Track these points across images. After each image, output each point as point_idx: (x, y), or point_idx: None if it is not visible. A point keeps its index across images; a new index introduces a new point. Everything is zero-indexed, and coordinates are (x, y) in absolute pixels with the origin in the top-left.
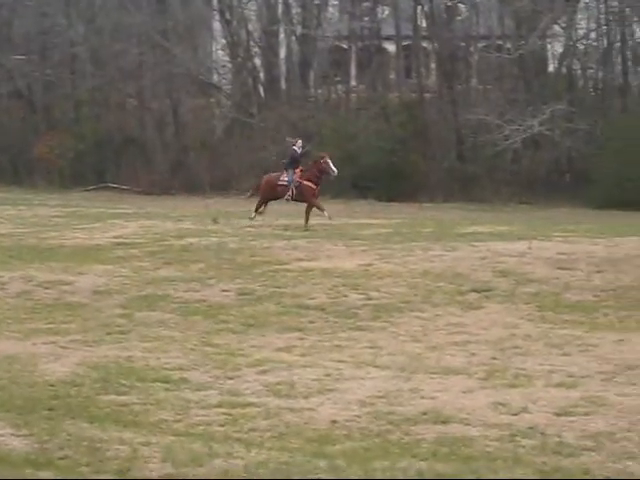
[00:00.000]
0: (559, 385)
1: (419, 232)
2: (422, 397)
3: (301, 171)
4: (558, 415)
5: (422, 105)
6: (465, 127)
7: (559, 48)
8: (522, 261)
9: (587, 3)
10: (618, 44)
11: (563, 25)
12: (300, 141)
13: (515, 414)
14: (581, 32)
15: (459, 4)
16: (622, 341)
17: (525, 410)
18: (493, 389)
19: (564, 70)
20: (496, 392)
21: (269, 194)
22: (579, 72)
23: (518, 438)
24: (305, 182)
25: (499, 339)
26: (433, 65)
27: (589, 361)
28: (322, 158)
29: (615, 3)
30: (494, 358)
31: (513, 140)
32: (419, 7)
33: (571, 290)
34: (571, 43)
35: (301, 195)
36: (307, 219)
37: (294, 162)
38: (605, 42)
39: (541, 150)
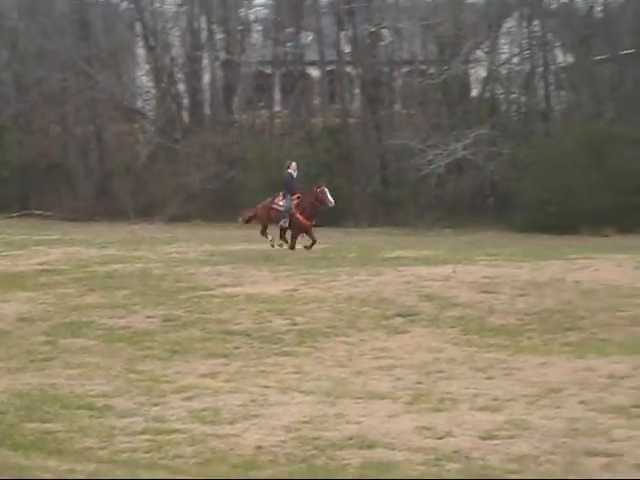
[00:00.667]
0: (484, 409)
1: (344, 257)
2: (347, 422)
3: (298, 198)
4: (483, 439)
5: (346, 130)
6: (389, 152)
7: (482, 73)
8: (447, 285)
9: (509, 28)
10: (540, 69)
11: (486, 50)
12: (294, 164)
13: (440, 438)
14: (504, 57)
15: (382, 29)
16: (546, 364)
17: (450, 434)
18: (418, 413)
19: (487, 95)
20: (421, 416)
21: (265, 219)
22: (502, 97)
23: (443, 462)
24: (298, 215)
25: (424, 363)
26: (357, 90)
27: (513, 384)
28: (319, 187)
29: (537, 28)
30: (419, 382)
31: (437, 165)
32: (342, 32)
33: (495, 314)
34: (494, 68)
35: (292, 226)
36: (292, 242)
37: (291, 187)
38: (528, 67)
39: (465, 174)
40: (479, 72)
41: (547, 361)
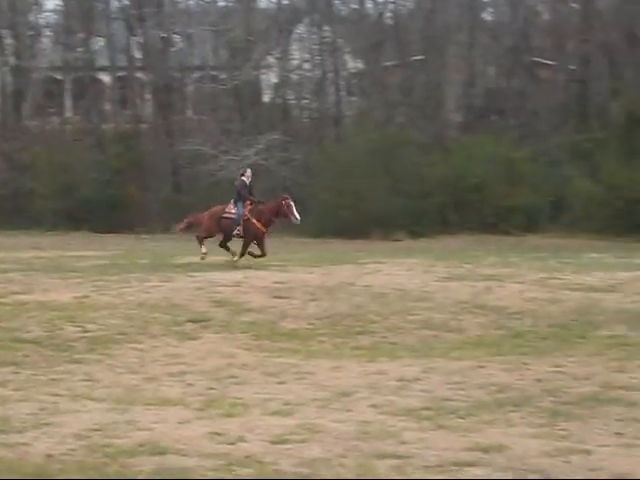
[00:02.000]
0: (275, 413)
1: (136, 263)
2: (139, 429)
3: (251, 204)
4: (274, 443)
5: (138, 136)
6: (181, 158)
7: (273, 78)
8: (239, 290)
9: (300, 34)
10: (331, 74)
11: (277, 56)
12: (249, 170)
13: (232, 443)
14: (295, 62)
15: (173, 35)
16: (337, 368)
17: (242, 439)
18: (210, 419)
19: (279, 100)
20: (213, 422)
21: (213, 228)
22: (294, 102)
23: (235, 467)
24: (254, 221)
25: (216, 369)
26: (148, 96)
27: (305, 388)
28: (285, 199)
29: (328, 34)
30: (211, 388)
31: (229, 170)
32: (133, 38)
33: (287, 318)
34: (285, 73)
35: (246, 232)
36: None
37: (243, 195)
38: (319, 72)
39: (257, 180)
40: (270, 78)
41: (339, 365)
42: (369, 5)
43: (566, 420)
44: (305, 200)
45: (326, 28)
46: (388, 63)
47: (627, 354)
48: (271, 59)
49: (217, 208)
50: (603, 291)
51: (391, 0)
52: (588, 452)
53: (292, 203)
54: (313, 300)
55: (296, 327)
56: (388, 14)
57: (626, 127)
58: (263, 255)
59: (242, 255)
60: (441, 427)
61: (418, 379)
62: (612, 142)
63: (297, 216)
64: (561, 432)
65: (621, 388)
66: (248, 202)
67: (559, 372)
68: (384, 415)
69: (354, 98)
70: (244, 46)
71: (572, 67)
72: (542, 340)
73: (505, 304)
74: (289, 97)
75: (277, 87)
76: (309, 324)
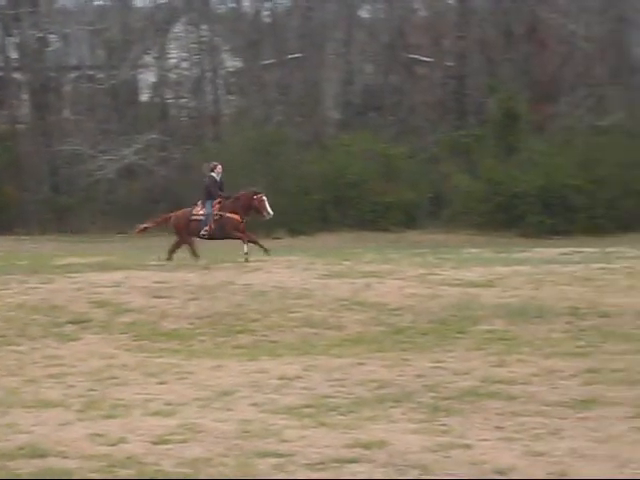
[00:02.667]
0: (156, 414)
1: (14, 265)
2: (19, 432)
3: (220, 203)
4: (155, 444)
5: (15, 136)
6: (59, 158)
7: (151, 78)
8: (119, 291)
9: (178, 33)
10: (209, 73)
11: (155, 55)
12: (220, 166)
13: (113, 444)
14: (173, 62)
15: (50, 35)
16: (218, 367)
17: (123, 440)
18: (91, 420)
19: (157, 99)
20: (94, 423)
21: (182, 231)
22: (172, 101)
23: (116, 468)
24: (228, 214)
25: (96, 370)
26: (25, 96)
27: (186, 388)
28: (256, 194)
29: (206, 33)
30: (91, 389)
31: (107, 170)
32: (9, 38)
33: (167, 318)
34: (163, 73)
35: (222, 230)
36: (246, 249)
37: (213, 192)
38: (197, 71)
39: (136, 179)
40: (148, 77)
41: (220, 364)
42: (246, 3)
43: (446, 415)
44: (183, 200)
45: (203, 27)
46: (266, 61)
47: (506, 348)
48: (148, 58)
49: (184, 211)
50: (482, 286)
51: None
52: (468, 446)
53: (264, 198)
54: (193, 299)
55: (177, 327)
56: (265, 12)
57: (503, 123)
58: (256, 242)
59: (258, 242)
60: (322, 424)
61: (299, 377)
62: (489, 138)
63: (270, 211)
64: (442, 427)
65: (500, 382)
66: (217, 201)
67: (439, 367)
68: (265, 414)
69: (232, 97)
70: (121, 45)
71: (449, 64)
72: (422, 336)
73: (385, 300)
74: (167, 96)
75: (155, 86)
76: (190, 324)
